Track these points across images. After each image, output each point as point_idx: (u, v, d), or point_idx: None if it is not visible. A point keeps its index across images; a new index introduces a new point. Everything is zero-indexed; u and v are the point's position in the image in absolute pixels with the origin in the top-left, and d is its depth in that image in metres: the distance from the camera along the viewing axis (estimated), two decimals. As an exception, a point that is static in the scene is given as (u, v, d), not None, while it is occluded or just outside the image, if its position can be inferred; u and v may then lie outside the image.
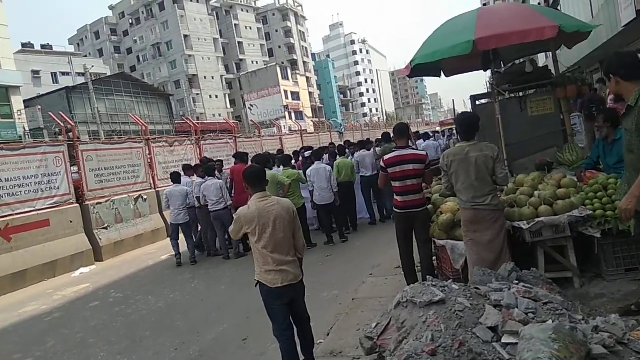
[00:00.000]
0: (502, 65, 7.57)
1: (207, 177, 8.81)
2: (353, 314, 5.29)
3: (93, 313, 6.66)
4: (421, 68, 6.19)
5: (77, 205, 9.90)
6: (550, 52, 6.68)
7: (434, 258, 5.44)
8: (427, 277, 2.64)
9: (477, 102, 7.39)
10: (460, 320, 2.19)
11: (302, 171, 9.18)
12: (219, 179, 9.06)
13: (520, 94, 6.79)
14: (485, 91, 9.61)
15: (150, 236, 11.40)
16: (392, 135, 5.70)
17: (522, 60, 7.69)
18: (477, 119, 4.26)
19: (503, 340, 2.12)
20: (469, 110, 9.55)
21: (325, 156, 10.63)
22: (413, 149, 5.22)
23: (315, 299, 5.40)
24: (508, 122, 6.52)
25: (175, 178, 9.11)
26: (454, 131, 19.95)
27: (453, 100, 7.82)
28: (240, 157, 9.38)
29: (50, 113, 11.76)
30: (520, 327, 2.11)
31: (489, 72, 7.78)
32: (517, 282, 2.58)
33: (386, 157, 5.18)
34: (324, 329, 4.83)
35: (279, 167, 9.27)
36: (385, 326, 2.45)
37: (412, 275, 5.32)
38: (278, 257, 3.59)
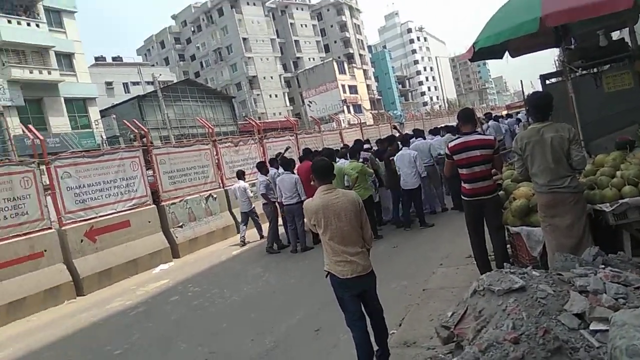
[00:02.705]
0: (573, 42, 7.10)
1: (284, 171, 9.09)
2: (424, 304, 5.21)
3: (173, 307, 7.04)
4: (484, 51, 5.94)
5: (154, 206, 10.49)
6: (627, 26, 6.18)
7: (508, 246, 5.23)
8: (504, 264, 2.55)
9: (547, 82, 6.99)
10: (542, 307, 2.10)
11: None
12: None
13: (595, 70, 6.34)
14: (555, 70, 9.08)
15: (221, 233, 11.86)
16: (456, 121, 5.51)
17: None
18: (550, 97, 4.04)
19: (591, 327, 2.00)
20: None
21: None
22: (479, 133, 5.03)
23: (384, 290, 5.36)
24: (582, 101, 6.12)
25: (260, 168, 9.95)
26: (524, 114, 19.07)
27: (521, 82, 7.43)
28: (306, 153, 9.65)
29: (125, 121, 12.51)
30: (610, 313, 1.99)
31: (557, 50, 7.34)
32: (603, 266, 2.43)
33: (451, 143, 5.03)
34: (395, 320, 4.80)
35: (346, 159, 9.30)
36: (461, 315, 2.39)
37: (485, 265, 5.15)
38: (346, 249, 3.61)
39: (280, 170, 9.46)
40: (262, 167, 9.95)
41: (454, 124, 14.31)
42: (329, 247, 3.64)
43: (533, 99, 4.08)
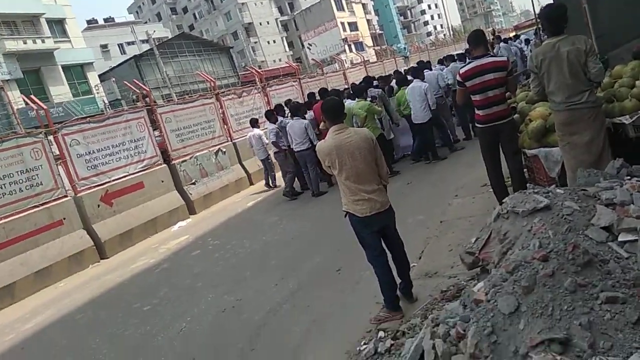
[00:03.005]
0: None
1: (294, 117, 9.02)
2: (443, 235, 5.23)
3: (196, 261, 7.18)
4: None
5: (165, 165, 10.49)
6: None
7: (525, 170, 5.14)
8: (527, 186, 2.47)
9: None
10: (569, 224, 2.04)
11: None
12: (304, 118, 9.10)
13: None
14: None
15: (234, 186, 11.90)
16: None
17: None
18: (564, 8, 3.78)
19: (620, 239, 1.95)
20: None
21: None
22: (492, 56, 4.81)
23: (401, 225, 5.33)
24: (596, 10, 5.80)
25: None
26: (532, 33, 18.32)
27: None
28: (322, 94, 9.66)
29: (126, 82, 12.31)
30: (639, 223, 1.93)
31: None
32: (628, 177, 2.34)
33: (463, 69, 4.83)
34: (415, 253, 4.83)
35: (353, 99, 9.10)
36: (485, 240, 2.36)
37: (502, 191, 5.08)
38: (363, 187, 3.56)
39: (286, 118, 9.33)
40: (270, 116, 9.76)
41: (460, 52, 13.87)
42: (345, 187, 3.60)
43: (546, 11, 3.84)
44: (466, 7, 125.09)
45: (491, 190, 5.92)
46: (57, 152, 8.90)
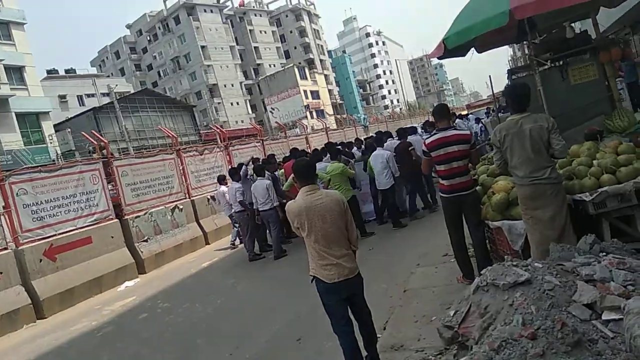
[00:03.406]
0: (538, 36, 7.22)
1: (257, 177, 8.97)
2: (407, 305, 5.11)
3: (143, 325, 6.67)
4: (451, 48, 5.94)
5: (117, 220, 10.00)
6: (589, 17, 6.32)
7: (487, 242, 5.19)
8: (505, 257, 2.45)
9: (514, 76, 7.07)
10: (551, 299, 2.00)
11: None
12: (270, 178, 9.08)
13: (560, 62, 6.45)
14: (508, 68, 9.27)
15: (190, 245, 11.46)
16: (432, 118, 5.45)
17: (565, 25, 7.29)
18: (528, 88, 4.01)
19: (603, 317, 1.92)
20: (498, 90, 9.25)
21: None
22: (456, 129, 4.99)
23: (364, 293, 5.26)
24: (550, 94, 6.19)
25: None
26: (485, 113, 19.45)
27: (490, 77, 7.44)
28: (293, 153, 9.79)
29: (83, 132, 11.92)
30: (622, 301, 1.91)
31: (510, 50, 7.43)
32: (603, 254, 2.36)
33: (428, 140, 4.98)
34: (379, 324, 4.63)
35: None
36: (465, 313, 2.27)
37: (465, 262, 5.11)
38: (332, 251, 3.45)
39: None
40: (234, 174, 9.67)
41: (413, 125, 14.44)
42: (314, 251, 3.47)
43: (511, 89, 4.05)
44: (420, 85, 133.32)
45: (452, 260, 5.95)
46: (2, 202, 8.32)
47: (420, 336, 4.25)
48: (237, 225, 10.24)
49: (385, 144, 9.37)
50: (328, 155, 9.09)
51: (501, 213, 4.57)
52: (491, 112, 18.79)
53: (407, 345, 4.15)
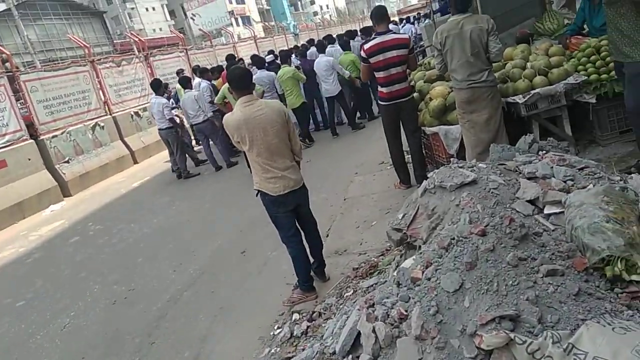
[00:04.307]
0: None
1: (185, 90, 8.57)
2: (348, 213, 5.24)
3: (76, 248, 6.40)
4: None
5: (32, 141, 9.16)
6: None
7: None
8: (453, 159, 2.47)
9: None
10: (496, 197, 2.06)
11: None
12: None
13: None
14: None
15: (116, 165, 10.86)
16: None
17: None
18: (470, -13, 3.90)
19: (545, 212, 2.02)
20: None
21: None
22: (395, 33, 4.84)
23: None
24: (483, -4, 6.15)
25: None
26: (419, 16, 19.20)
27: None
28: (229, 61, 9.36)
29: (-24, 43, 10.45)
30: (563, 196, 2.01)
31: None
32: (544, 152, 2.45)
33: (367, 45, 4.80)
34: (322, 231, 4.68)
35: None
36: (413, 215, 2.31)
37: (403, 168, 5.24)
38: (276, 164, 3.35)
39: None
40: (157, 87, 8.73)
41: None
42: (257, 165, 3.35)
43: (453, -12, 3.91)
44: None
45: (389, 167, 6.11)
46: None
47: (362, 240, 4.42)
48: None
49: (327, 50, 9.07)
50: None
51: (438, 118, 4.64)
52: (421, 17, 18.61)
53: (350, 250, 4.30)
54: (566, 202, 1.93)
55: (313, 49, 10.82)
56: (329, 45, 9.48)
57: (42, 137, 9.34)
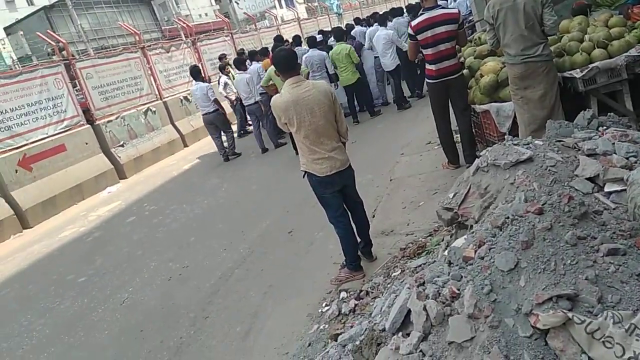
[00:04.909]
0: None
1: (237, 71, 8.85)
2: (394, 193, 5.20)
3: (133, 228, 6.72)
4: None
5: (89, 126, 9.61)
6: None
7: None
8: (507, 136, 2.40)
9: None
10: (554, 175, 1.99)
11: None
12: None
13: None
14: None
15: (168, 148, 11.24)
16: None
17: None
18: (522, -42, 3.71)
19: (606, 189, 1.93)
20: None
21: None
22: (443, 8, 4.69)
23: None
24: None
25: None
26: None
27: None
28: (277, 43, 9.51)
29: (39, 33, 10.96)
30: (625, 173, 1.91)
31: None
32: (604, 127, 2.34)
33: (414, 22, 4.70)
34: (369, 212, 4.69)
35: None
36: (464, 194, 2.27)
37: (451, 148, 5.13)
38: (323, 145, 3.36)
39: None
40: (197, 73, 9.17)
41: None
42: (304, 146, 3.38)
43: (504, -40, 3.73)
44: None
45: (436, 147, 5.99)
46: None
47: (410, 221, 4.38)
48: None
49: (390, 23, 9.07)
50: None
51: (489, 96, 4.49)
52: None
53: (397, 230, 4.28)
54: (629, 179, 1.83)
55: (358, 28, 10.69)
56: (395, 18, 9.47)
57: (97, 122, 9.78)
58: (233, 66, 9.78)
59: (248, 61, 9.53)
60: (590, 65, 3.87)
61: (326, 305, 3.50)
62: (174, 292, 4.49)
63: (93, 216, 7.85)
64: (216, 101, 8.78)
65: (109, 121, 10.03)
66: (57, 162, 8.74)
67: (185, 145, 11.70)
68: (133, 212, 7.46)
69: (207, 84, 8.97)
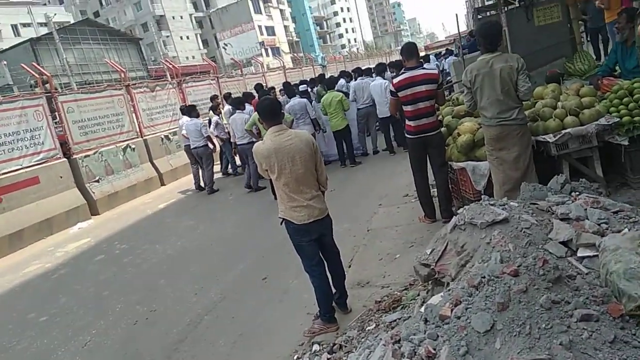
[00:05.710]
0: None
1: (235, 111, 9.03)
2: (371, 244, 5.21)
3: (101, 266, 6.50)
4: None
5: (65, 159, 9.47)
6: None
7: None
8: (483, 196, 2.46)
9: (480, 15, 6.98)
10: (528, 237, 2.03)
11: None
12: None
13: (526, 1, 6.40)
14: (465, 12, 9.20)
15: (144, 186, 11.10)
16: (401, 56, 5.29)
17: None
18: (500, 26, 3.95)
19: (579, 254, 1.98)
20: (451, 34, 9.28)
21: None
22: (425, 68, 4.90)
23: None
24: (514, 34, 6.21)
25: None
26: (438, 55, 19.38)
27: (456, 15, 7.21)
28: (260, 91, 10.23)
29: (23, 65, 10.95)
30: (597, 239, 1.97)
31: None
32: (577, 192, 2.42)
33: (396, 80, 4.88)
34: (344, 262, 4.67)
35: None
36: (441, 251, 2.29)
37: (428, 202, 5.21)
38: (301, 193, 3.38)
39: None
40: (192, 111, 9.88)
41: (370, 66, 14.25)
42: (283, 193, 3.39)
43: (484, 28, 3.95)
44: (378, 24, 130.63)
45: (413, 200, 6.08)
46: None
47: (385, 273, 4.37)
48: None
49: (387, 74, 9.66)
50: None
51: (466, 154, 4.63)
52: (445, 54, 18.80)
53: (373, 282, 4.26)
54: (601, 245, 1.89)
55: (341, 81, 11.22)
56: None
57: (74, 156, 9.65)
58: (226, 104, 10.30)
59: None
60: (563, 131, 4.06)
61: (298, 358, 3.40)
62: (139, 336, 4.30)
63: (61, 252, 7.59)
64: (209, 138, 9.40)
65: (86, 156, 9.91)
66: (28, 195, 8.53)
67: (163, 184, 11.58)
68: (103, 250, 7.25)
69: (201, 121, 9.64)
